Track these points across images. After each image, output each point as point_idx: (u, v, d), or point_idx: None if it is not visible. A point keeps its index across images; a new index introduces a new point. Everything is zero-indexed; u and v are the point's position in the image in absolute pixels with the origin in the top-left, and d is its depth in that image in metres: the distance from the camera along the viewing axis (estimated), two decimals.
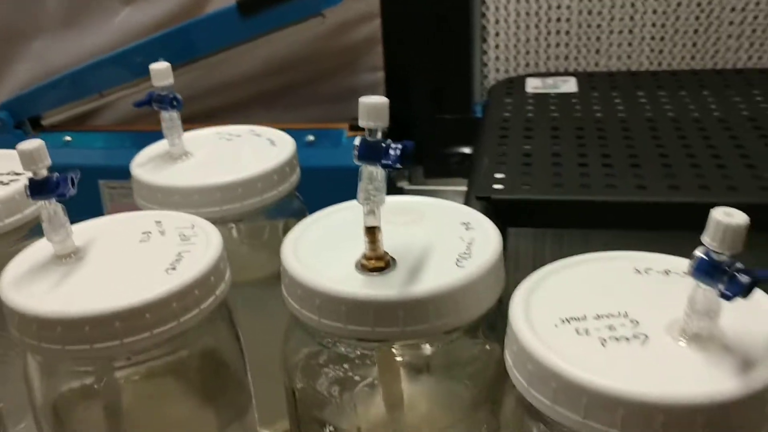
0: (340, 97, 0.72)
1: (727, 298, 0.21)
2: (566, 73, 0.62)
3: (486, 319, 0.30)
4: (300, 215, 0.37)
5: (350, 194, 0.29)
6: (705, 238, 0.22)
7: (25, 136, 0.66)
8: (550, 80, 0.60)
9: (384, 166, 0.27)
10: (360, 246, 0.29)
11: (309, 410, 0.32)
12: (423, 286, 0.27)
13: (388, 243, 0.29)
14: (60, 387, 0.32)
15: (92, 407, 0.32)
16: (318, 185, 0.41)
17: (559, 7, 0.65)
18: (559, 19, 0.66)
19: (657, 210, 0.41)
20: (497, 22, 0.67)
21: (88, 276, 0.30)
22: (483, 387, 0.31)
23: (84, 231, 0.32)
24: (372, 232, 0.28)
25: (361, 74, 0.72)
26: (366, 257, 0.28)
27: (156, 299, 0.28)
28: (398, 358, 0.30)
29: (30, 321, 0.28)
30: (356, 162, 0.27)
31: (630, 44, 0.66)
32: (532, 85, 0.59)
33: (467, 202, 0.42)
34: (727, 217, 0.21)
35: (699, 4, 0.63)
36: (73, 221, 0.31)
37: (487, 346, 0.32)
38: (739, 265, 0.22)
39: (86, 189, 0.32)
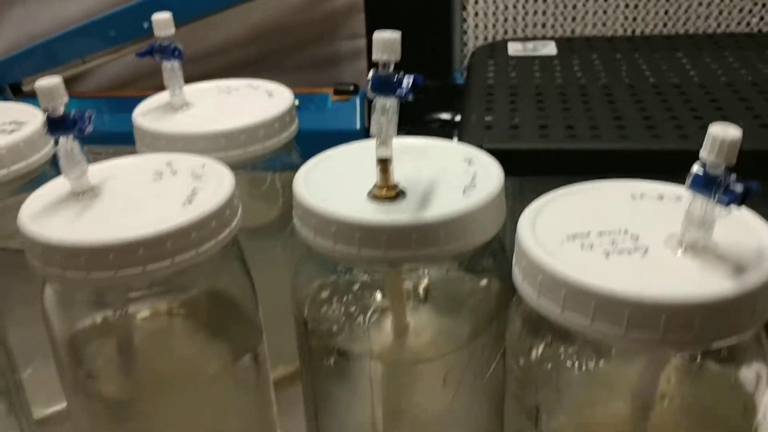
0: (322, 63, 0.73)
1: (724, 205, 0.23)
2: (545, 38, 0.63)
3: (488, 250, 0.32)
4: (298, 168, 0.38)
5: None
6: (703, 153, 0.24)
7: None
8: (530, 44, 0.62)
9: (397, 98, 0.28)
10: (369, 180, 0.30)
11: (320, 340, 0.33)
12: (434, 212, 0.29)
13: (396, 176, 0.30)
14: (76, 323, 0.33)
15: (107, 343, 0.33)
16: (305, 148, 0.42)
17: None
18: None
19: (639, 157, 0.43)
20: None
21: (106, 210, 0.31)
22: (484, 317, 0.33)
23: (95, 172, 0.33)
24: (384, 162, 0.30)
25: (343, 41, 0.73)
26: (378, 187, 0.30)
27: (177, 228, 0.29)
28: (406, 285, 0.32)
29: (54, 250, 0.28)
30: (369, 95, 0.28)
31: (605, 12, 0.68)
32: (514, 49, 0.61)
33: None
34: (724, 131, 0.23)
35: None
36: None
37: (487, 280, 0.33)
38: (733, 177, 0.24)
39: None
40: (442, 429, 0.33)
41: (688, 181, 0.24)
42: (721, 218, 0.25)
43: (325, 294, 0.33)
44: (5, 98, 0.70)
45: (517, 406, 0.30)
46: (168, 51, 0.39)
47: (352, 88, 0.65)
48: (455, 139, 0.40)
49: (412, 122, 0.73)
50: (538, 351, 0.29)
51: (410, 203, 0.30)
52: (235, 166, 0.40)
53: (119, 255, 0.28)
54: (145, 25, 0.62)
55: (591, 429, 0.28)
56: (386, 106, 0.28)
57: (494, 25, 0.71)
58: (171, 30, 0.39)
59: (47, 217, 0.30)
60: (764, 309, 0.24)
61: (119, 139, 0.43)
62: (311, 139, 0.51)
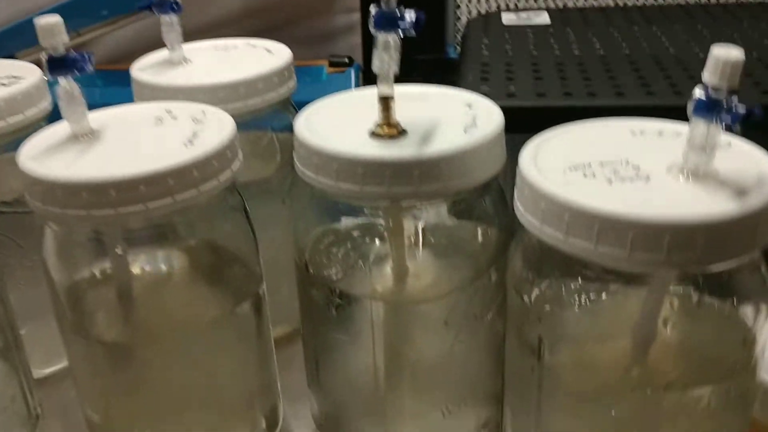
0: (317, 38, 0.73)
1: (728, 125, 0.24)
2: (538, 9, 0.64)
3: (488, 193, 0.32)
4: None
5: None
6: (705, 75, 0.24)
7: None
8: (524, 14, 0.62)
9: (399, 33, 0.28)
10: (370, 122, 0.30)
11: (322, 285, 0.33)
12: (435, 148, 0.29)
13: (398, 117, 0.30)
14: (76, 272, 0.33)
15: (107, 290, 0.33)
16: None
17: None
18: None
19: (635, 112, 0.43)
20: None
21: (107, 150, 0.31)
22: (484, 261, 0.33)
23: (95, 118, 0.33)
24: (386, 100, 0.30)
25: (337, 16, 0.73)
26: (380, 125, 0.30)
27: (178, 165, 0.29)
28: (407, 228, 0.32)
29: (54, 187, 0.28)
30: (372, 31, 0.28)
31: None
32: (508, 18, 0.61)
33: None
34: (726, 53, 0.23)
35: None
36: None
37: (487, 225, 0.34)
38: (735, 99, 0.24)
39: None
40: (444, 374, 0.33)
41: (690, 105, 0.24)
42: (722, 148, 0.25)
43: (326, 239, 0.33)
44: None
45: (518, 344, 0.30)
46: (166, 4, 0.39)
47: (347, 60, 0.65)
48: None
49: None
50: (540, 287, 0.29)
51: (412, 141, 0.30)
52: (235, 120, 0.40)
53: (120, 192, 0.28)
54: None
55: (593, 363, 0.29)
56: (388, 42, 0.28)
57: (487, 0, 0.71)
58: None
59: (47, 157, 0.30)
60: (765, 232, 0.24)
61: None
62: None
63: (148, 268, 0.33)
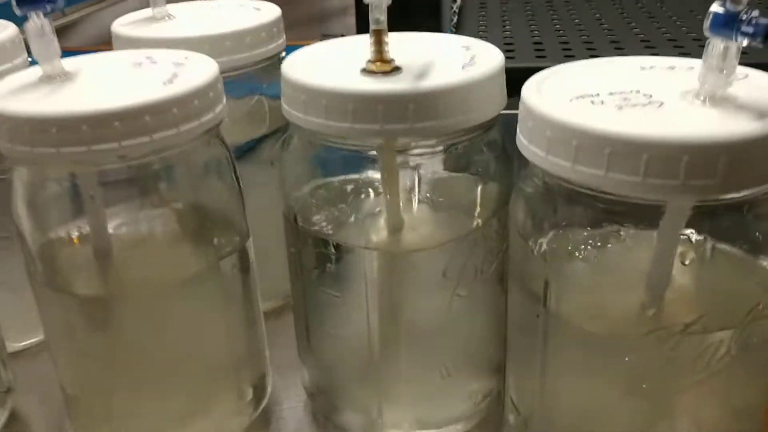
0: (312, 19, 0.71)
1: (749, 37, 0.22)
2: None
3: (487, 140, 0.30)
4: None
5: None
6: None
7: None
8: None
9: None
10: (362, 63, 0.29)
11: (313, 240, 0.31)
12: (432, 82, 0.27)
13: (393, 56, 0.28)
14: (47, 223, 0.31)
15: (80, 244, 0.31)
16: None
17: None
18: None
19: None
20: None
21: (81, 90, 0.29)
22: (484, 211, 0.31)
23: (69, 62, 0.31)
24: (378, 33, 0.28)
25: None
26: (372, 61, 0.28)
27: (156, 101, 0.27)
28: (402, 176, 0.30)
29: (22, 124, 0.26)
30: None
31: None
32: None
33: None
34: None
35: None
36: None
37: (487, 177, 0.32)
38: (756, 11, 0.22)
39: None
40: (442, 332, 0.31)
41: (707, 22, 0.23)
42: (739, 80, 0.23)
43: (317, 192, 0.31)
44: None
45: (522, 293, 0.28)
46: None
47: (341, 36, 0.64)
48: None
49: None
50: (545, 228, 0.27)
51: (406, 76, 0.28)
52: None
53: (93, 128, 0.26)
54: None
55: (604, 307, 0.26)
56: None
57: None
58: None
59: (16, 96, 0.28)
60: None
61: None
62: None
63: (126, 219, 0.31)
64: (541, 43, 0.44)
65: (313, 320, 0.33)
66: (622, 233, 0.27)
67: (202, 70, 0.30)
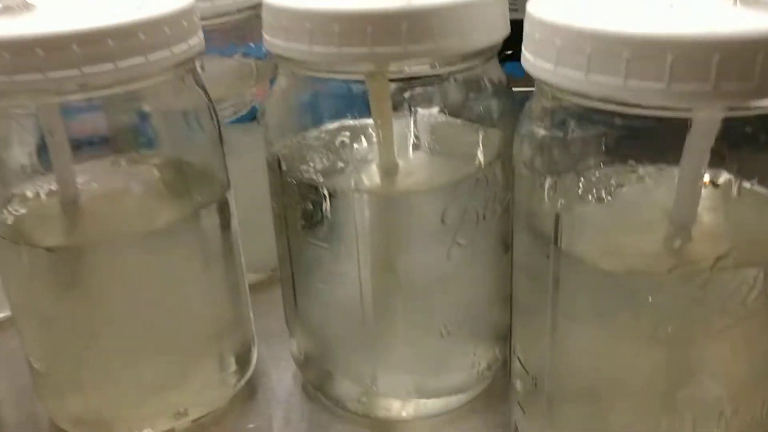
0: None
1: None
2: None
3: (487, 65, 0.27)
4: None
5: None
6: None
7: None
8: None
9: None
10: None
11: (298, 181, 0.28)
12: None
13: None
14: (9, 173, 0.28)
15: (44, 191, 0.28)
16: None
17: None
18: None
19: None
20: None
21: (41, 16, 0.26)
22: (485, 157, 0.28)
23: None
24: None
25: None
26: None
27: (120, 25, 0.24)
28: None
29: None
30: None
31: None
32: None
33: None
34: None
35: None
36: None
37: (486, 114, 0.29)
38: None
39: None
40: (441, 286, 0.28)
41: None
42: None
43: (303, 137, 0.29)
44: None
45: (529, 234, 0.25)
46: None
47: None
48: None
49: None
50: (555, 163, 0.24)
51: None
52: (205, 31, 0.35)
53: (50, 52, 0.23)
54: None
55: (623, 243, 0.24)
56: None
57: None
58: None
59: None
60: None
61: None
62: None
63: (97, 166, 0.28)
64: None
65: (301, 279, 0.31)
66: (640, 170, 0.24)
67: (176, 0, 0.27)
